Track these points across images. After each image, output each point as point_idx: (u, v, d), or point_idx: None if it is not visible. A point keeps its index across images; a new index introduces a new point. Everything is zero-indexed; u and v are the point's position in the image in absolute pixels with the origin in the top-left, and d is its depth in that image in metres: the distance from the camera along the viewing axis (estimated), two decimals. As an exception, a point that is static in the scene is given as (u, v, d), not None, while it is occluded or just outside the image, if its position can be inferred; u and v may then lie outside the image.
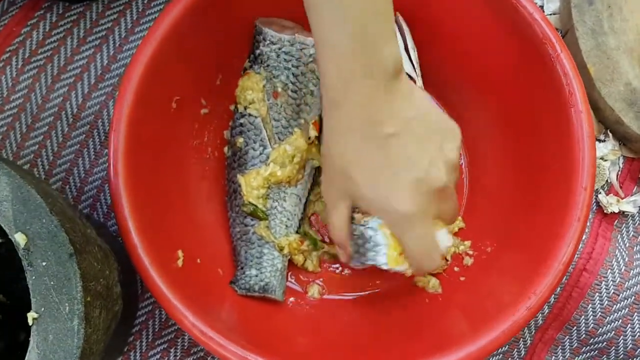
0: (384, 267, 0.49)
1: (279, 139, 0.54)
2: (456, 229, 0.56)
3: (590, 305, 0.56)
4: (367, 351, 0.50)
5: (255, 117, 0.55)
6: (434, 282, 0.54)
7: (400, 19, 0.55)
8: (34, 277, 0.37)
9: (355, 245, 0.50)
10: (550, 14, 0.61)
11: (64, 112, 0.58)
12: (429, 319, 0.53)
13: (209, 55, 0.54)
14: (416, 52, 0.56)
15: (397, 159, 0.44)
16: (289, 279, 0.57)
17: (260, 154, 0.55)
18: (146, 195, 0.49)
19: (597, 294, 0.55)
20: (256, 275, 0.54)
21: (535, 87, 0.52)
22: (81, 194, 0.58)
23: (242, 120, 0.55)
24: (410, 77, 0.55)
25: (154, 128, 0.51)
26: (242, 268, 0.55)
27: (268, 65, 0.54)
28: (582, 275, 0.56)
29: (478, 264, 0.54)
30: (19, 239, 0.37)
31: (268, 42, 0.54)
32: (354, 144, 0.44)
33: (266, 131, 0.55)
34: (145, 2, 0.60)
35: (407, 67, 0.55)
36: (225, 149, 0.57)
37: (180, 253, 0.51)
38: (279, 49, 0.54)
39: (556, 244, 0.47)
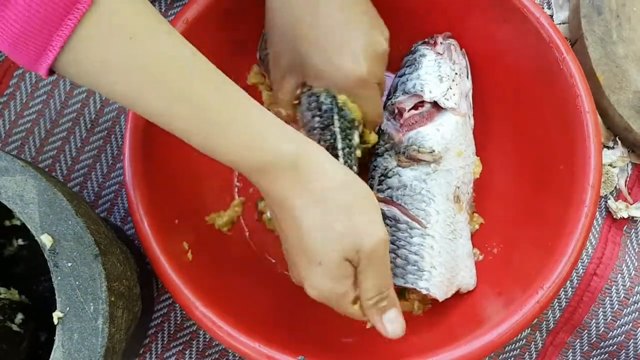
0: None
1: None
2: (477, 226, 0.56)
3: (600, 309, 0.56)
4: (382, 348, 0.51)
5: None
6: (417, 305, 0.54)
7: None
8: (59, 278, 0.38)
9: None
10: (560, 24, 0.62)
11: (82, 118, 0.59)
12: (437, 317, 0.53)
13: (222, 56, 0.55)
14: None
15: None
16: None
17: None
18: (160, 195, 0.50)
19: (607, 298, 0.56)
20: None
21: (542, 90, 0.53)
22: (99, 199, 0.59)
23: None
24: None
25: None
26: None
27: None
28: (593, 279, 0.56)
29: (485, 266, 0.55)
30: (45, 240, 0.38)
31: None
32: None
33: None
34: (164, 7, 0.61)
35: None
36: None
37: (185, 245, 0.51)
38: None
39: (564, 240, 0.48)
